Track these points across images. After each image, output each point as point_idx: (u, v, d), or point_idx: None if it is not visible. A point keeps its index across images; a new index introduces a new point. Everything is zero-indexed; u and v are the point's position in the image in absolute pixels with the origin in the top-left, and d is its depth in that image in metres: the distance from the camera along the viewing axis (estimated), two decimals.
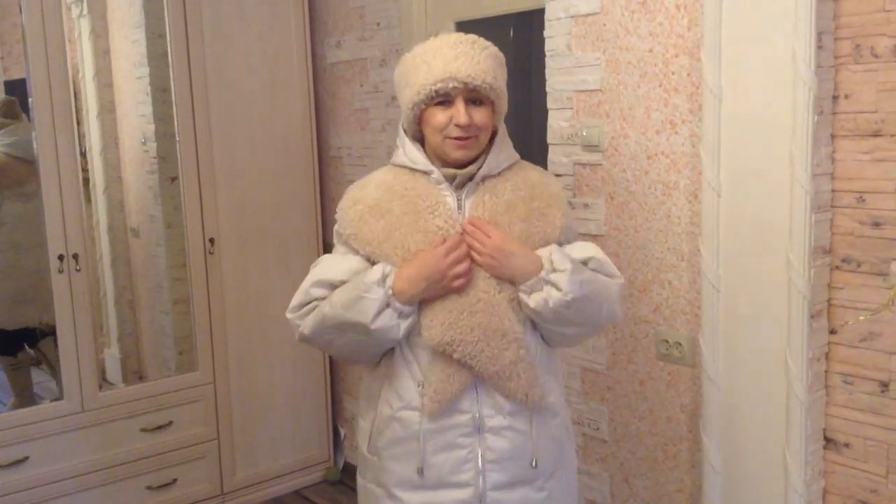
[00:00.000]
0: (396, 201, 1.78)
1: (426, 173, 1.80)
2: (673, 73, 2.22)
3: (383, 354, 1.82)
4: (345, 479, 3.74)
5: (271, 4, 3.42)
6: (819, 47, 1.87)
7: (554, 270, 1.71)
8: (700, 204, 2.15)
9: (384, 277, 1.71)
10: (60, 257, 2.97)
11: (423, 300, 1.72)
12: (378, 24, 3.30)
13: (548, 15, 2.50)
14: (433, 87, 1.71)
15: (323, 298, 1.79)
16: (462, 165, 1.79)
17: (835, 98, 1.91)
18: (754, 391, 2.06)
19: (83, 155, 3.23)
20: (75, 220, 3.00)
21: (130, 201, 3.56)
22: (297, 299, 1.84)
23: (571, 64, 2.46)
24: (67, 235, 2.98)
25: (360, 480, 1.94)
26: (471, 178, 1.80)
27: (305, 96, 3.55)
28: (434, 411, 1.73)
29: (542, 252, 1.75)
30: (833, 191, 1.94)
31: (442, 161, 1.80)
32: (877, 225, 1.88)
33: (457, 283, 1.71)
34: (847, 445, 2.00)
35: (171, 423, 3.29)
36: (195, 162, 3.28)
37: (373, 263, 1.77)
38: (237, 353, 3.45)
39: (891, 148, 1.83)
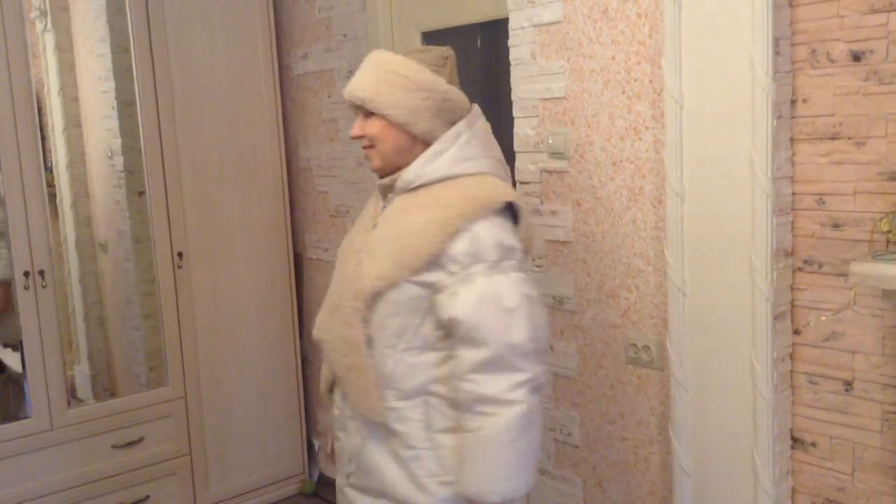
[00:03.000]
0: (369, 204, 2.00)
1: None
2: (635, 81, 2.24)
3: None
4: (320, 491, 3.73)
5: (237, 16, 3.42)
6: (776, 53, 1.90)
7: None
8: (664, 209, 2.17)
9: None
10: (26, 273, 2.94)
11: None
12: (344, 36, 3.30)
13: (512, 24, 2.52)
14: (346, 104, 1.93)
15: None
16: (387, 175, 1.90)
17: (793, 102, 1.94)
18: (722, 393, 2.08)
19: (49, 170, 3.20)
20: (41, 236, 2.97)
21: (98, 216, 3.53)
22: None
23: (536, 72, 2.48)
24: (33, 251, 2.95)
25: None
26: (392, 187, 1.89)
27: (273, 108, 3.54)
28: (321, 400, 1.95)
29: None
30: (793, 193, 1.97)
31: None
32: (837, 226, 1.91)
33: None
34: (814, 444, 2.02)
35: (142, 438, 3.26)
36: (162, 175, 3.26)
37: None
38: (208, 368, 3.43)
39: (848, 150, 1.87)
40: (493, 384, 1.68)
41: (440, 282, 1.74)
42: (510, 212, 1.82)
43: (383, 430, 1.80)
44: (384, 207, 1.89)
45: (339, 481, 1.98)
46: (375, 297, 1.77)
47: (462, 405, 1.72)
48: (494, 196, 1.77)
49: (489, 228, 1.74)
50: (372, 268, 1.78)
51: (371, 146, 1.87)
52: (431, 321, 1.77)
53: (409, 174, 1.83)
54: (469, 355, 1.70)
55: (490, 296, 1.70)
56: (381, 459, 1.82)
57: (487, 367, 1.68)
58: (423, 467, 1.79)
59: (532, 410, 1.71)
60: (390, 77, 1.82)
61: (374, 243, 1.83)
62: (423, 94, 1.82)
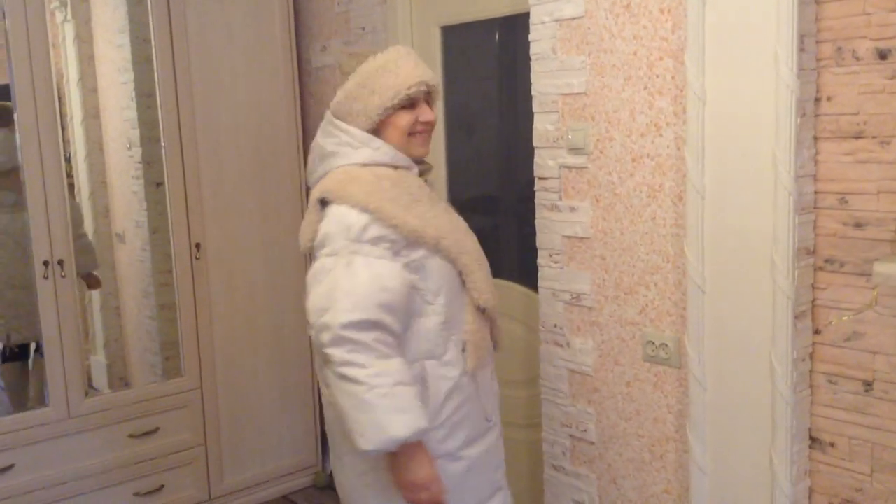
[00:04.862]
0: (410, 194, 1.94)
1: (407, 168, 2.01)
2: (657, 76, 2.23)
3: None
4: (333, 484, 3.73)
5: (257, 9, 3.42)
6: (801, 50, 1.88)
7: None
8: (685, 206, 2.16)
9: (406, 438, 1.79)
10: (45, 263, 2.96)
11: (465, 275, 1.99)
12: (363, 29, 3.30)
13: (533, 19, 2.51)
14: (407, 92, 1.94)
15: (390, 328, 1.83)
16: (417, 160, 2.05)
17: (817, 100, 1.93)
18: (740, 391, 2.07)
19: (68, 160, 3.22)
20: (60, 226, 2.99)
21: (116, 207, 3.55)
22: (358, 314, 1.79)
23: (556, 67, 2.47)
24: (52, 241, 2.97)
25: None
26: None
27: (291, 100, 3.55)
28: (475, 369, 2.00)
29: None
30: (816, 192, 1.96)
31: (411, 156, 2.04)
32: (859, 226, 1.90)
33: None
34: (832, 445, 2.01)
35: (157, 429, 3.28)
36: (181, 167, 3.27)
37: (413, 258, 1.91)
38: (224, 359, 3.44)
39: (872, 149, 1.85)
40: None
41: None
42: None
43: None
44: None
45: (497, 433, 2.12)
46: None
47: None
48: None
49: None
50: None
51: (430, 131, 2.04)
52: None
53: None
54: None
55: None
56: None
57: None
58: None
59: None
60: None
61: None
62: None
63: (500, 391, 2.19)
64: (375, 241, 1.86)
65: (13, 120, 3.05)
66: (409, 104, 1.97)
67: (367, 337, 1.79)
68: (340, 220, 1.87)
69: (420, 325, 1.93)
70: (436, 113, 2.05)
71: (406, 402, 1.79)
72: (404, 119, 1.97)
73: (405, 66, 1.97)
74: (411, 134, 1.99)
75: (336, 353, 1.78)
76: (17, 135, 2.93)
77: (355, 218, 1.86)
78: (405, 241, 1.89)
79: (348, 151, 1.97)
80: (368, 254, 1.85)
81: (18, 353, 3.38)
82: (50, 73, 2.95)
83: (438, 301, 1.95)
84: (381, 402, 1.76)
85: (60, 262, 2.99)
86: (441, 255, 1.94)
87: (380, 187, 1.90)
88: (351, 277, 1.82)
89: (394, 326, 1.84)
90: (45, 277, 2.97)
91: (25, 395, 3.38)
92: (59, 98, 3.17)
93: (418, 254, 1.91)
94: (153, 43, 3.19)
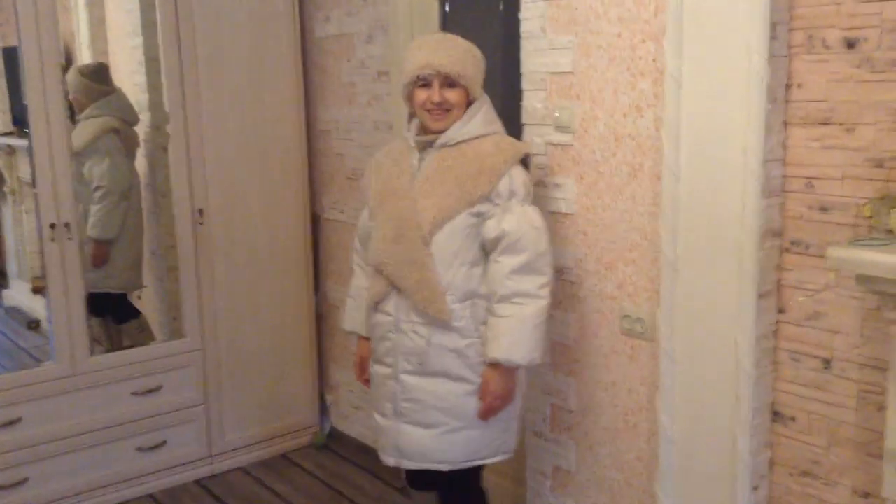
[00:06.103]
0: (389, 160, 2.44)
1: (406, 139, 2.43)
2: (640, 58, 2.29)
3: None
4: (330, 444, 3.86)
5: None
6: (773, 38, 1.93)
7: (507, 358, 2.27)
8: (661, 186, 2.22)
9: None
10: (52, 226, 3.06)
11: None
12: (364, 0, 3.35)
13: None
14: (416, 73, 2.30)
15: (362, 254, 2.59)
16: (433, 132, 2.36)
17: (788, 87, 1.98)
18: (707, 366, 2.15)
19: (76, 123, 3.31)
20: (66, 191, 3.08)
21: None
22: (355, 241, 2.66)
23: (545, 46, 2.52)
24: (58, 205, 3.07)
25: None
26: (431, 144, 2.35)
27: (294, 70, 3.60)
28: (369, 306, 2.45)
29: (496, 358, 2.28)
30: (784, 176, 2.02)
31: (428, 131, 2.36)
32: (824, 209, 1.96)
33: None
34: (793, 419, 2.09)
35: (160, 387, 3.40)
36: (184, 133, 3.34)
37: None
38: (226, 320, 3.54)
39: (838, 136, 1.91)
40: (527, 283, 2.26)
41: (488, 211, 2.28)
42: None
43: (445, 328, 2.30)
44: (421, 159, 2.36)
45: (387, 372, 2.41)
46: (436, 227, 2.26)
47: (500, 298, 2.26)
48: (520, 148, 2.36)
49: (519, 172, 2.32)
50: (431, 205, 2.27)
51: (447, 110, 2.31)
52: (478, 243, 2.30)
53: (451, 133, 2.33)
54: (510, 262, 2.25)
55: (525, 219, 2.27)
56: (442, 349, 2.31)
57: (523, 269, 2.25)
58: (475, 351, 2.32)
59: (548, 305, 2.29)
60: (468, 57, 2.33)
61: (426, 187, 2.30)
62: (483, 72, 2.37)
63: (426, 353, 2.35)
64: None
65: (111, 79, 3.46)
66: (425, 84, 2.30)
67: (355, 256, 2.63)
68: None
69: None
70: (458, 96, 2.30)
71: (348, 306, 2.65)
72: (419, 97, 2.33)
73: (420, 50, 2.32)
74: (427, 110, 2.32)
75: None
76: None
77: None
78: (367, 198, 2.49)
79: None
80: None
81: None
82: (57, 37, 3.01)
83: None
84: None
85: (67, 225, 3.08)
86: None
87: (377, 156, 2.52)
88: None
89: (363, 253, 2.57)
90: (52, 240, 3.07)
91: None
92: (70, 61, 3.24)
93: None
94: (157, 9, 3.25)
